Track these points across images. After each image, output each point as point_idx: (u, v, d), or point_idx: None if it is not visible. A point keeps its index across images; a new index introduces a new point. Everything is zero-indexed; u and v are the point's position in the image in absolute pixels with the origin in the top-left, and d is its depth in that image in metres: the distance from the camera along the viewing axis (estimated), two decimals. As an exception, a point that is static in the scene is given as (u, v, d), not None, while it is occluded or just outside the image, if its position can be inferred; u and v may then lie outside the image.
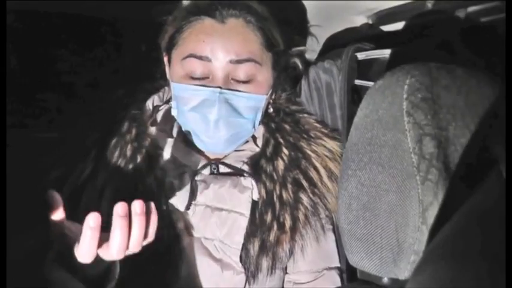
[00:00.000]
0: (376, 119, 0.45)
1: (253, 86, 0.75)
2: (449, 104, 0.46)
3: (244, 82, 0.74)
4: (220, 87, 0.72)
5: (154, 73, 0.87)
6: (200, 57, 0.72)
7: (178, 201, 0.75)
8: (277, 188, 0.76)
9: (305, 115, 0.86)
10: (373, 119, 0.46)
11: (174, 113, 0.79)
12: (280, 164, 0.78)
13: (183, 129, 0.79)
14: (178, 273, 0.72)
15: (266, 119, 0.82)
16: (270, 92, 0.79)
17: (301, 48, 1.02)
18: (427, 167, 0.41)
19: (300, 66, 0.90)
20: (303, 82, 0.92)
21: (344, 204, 0.47)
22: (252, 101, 0.75)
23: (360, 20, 1.09)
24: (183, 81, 0.74)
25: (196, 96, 0.73)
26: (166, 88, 0.86)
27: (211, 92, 0.72)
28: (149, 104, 0.83)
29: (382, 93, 0.46)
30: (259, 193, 0.76)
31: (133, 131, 0.77)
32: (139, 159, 0.75)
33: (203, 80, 0.74)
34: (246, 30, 0.74)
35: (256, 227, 0.74)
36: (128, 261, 0.63)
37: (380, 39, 0.89)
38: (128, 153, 0.75)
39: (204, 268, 0.73)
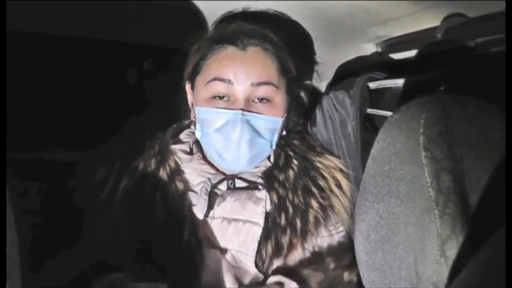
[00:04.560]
0: (394, 152, 0.47)
1: (271, 107, 0.82)
2: (462, 137, 0.47)
3: (263, 104, 0.81)
4: (242, 109, 0.79)
5: (176, 100, 0.93)
6: (223, 80, 0.79)
7: (197, 212, 0.81)
8: (289, 194, 0.83)
9: (308, 134, 0.96)
10: (391, 153, 0.47)
11: (197, 135, 0.85)
12: (291, 173, 0.85)
13: (207, 149, 0.86)
14: (199, 279, 0.76)
15: (278, 138, 0.88)
16: (285, 116, 0.86)
17: (307, 82, 1.08)
18: (445, 201, 0.42)
19: (305, 98, 0.97)
20: (317, 112, 0.94)
21: (362, 235, 0.48)
22: (270, 123, 0.82)
23: (368, 47, 1.11)
24: (207, 104, 0.81)
25: (219, 118, 0.81)
26: (184, 121, 0.95)
27: (234, 114, 0.79)
28: (170, 130, 0.92)
29: (398, 127, 0.48)
30: (272, 200, 0.82)
31: (156, 147, 0.85)
32: (161, 171, 0.82)
33: (226, 101, 0.81)
34: (264, 56, 0.82)
35: (269, 232, 0.80)
36: (152, 266, 0.72)
37: (390, 68, 0.91)
38: (152, 165, 0.83)
39: (223, 276, 0.77)
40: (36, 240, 0.78)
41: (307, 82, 1.14)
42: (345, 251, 0.84)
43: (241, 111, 0.79)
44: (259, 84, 0.80)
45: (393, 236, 0.44)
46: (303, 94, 1.00)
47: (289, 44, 0.88)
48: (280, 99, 0.83)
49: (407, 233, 0.43)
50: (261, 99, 0.81)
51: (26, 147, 1.10)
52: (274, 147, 0.86)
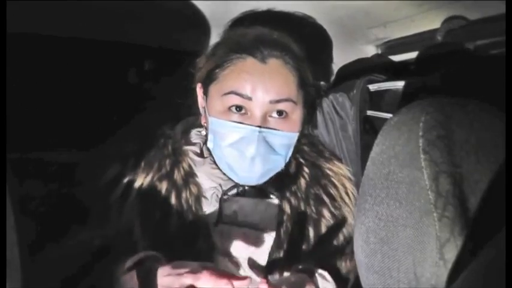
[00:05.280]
0: (393, 155, 0.47)
1: (288, 123, 0.79)
2: (462, 140, 0.47)
3: (280, 119, 0.78)
4: (259, 126, 0.76)
5: (184, 102, 0.91)
6: (241, 95, 0.76)
7: (208, 217, 0.79)
8: (301, 203, 0.81)
9: (315, 137, 0.95)
10: (390, 155, 0.47)
11: (210, 145, 0.83)
12: (303, 182, 0.84)
13: (218, 161, 0.83)
14: None
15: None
16: (300, 130, 0.84)
17: (322, 83, 1.06)
18: (444, 204, 0.42)
19: (317, 100, 0.95)
20: (318, 114, 0.94)
21: (361, 238, 0.48)
22: (286, 139, 0.80)
23: (369, 49, 1.11)
24: (222, 117, 0.78)
25: (234, 133, 0.77)
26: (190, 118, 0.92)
27: (250, 131, 0.76)
28: (179, 127, 0.89)
29: (398, 129, 0.48)
30: (284, 210, 0.80)
31: (169, 147, 0.82)
32: (176, 173, 0.79)
33: (242, 115, 0.77)
34: (285, 70, 0.78)
35: (282, 242, 0.79)
36: None
37: (390, 70, 0.91)
38: (168, 166, 0.80)
39: None
40: (37, 243, 0.78)
41: (322, 83, 1.12)
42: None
43: (258, 129, 0.76)
44: (279, 101, 0.77)
45: (392, 239, 0.44)
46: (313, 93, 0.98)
47: (309, 48, 0.86)
48: (297, 114, 0.81)
49: (406, 236, 0.43)
50: (280, 114, 0.78)
51: (26, 147, 1.11)
52: (287, 160, 0.84)
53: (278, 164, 0.82)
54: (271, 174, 0.83)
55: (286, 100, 0.77)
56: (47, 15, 1.03)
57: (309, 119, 0.91)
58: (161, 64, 1.32)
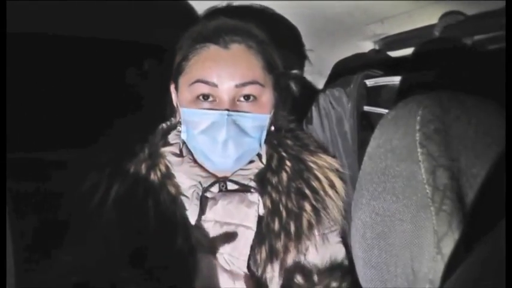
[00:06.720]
0: (390, 149, 0.46)
1: (257, 106, 0.81)
2: (460, 135, 0.47)
3: (249, 103, 0.80)
4: (227, 110, 0.77)
5: (163, 101, 0.91)
6: (207, 82, 0.77)
7: (189, 216, 0.78)
8: (283, 198, 0.81)
9: (302, 131, 0.94)
10: (387, 149, 0.47)
11: (183, 136, 0.84)
12: (284, 176, 0.83)
13: (193, 151, 0.84)
14: (193, 285, 0.75)
15: (269, 137, 0.87)
16: (272, 112, 0.85)
17: (296, 72, 1.06)
18: (441, 198, 0.41)
19: (294, 88, 0.95)
20: (314, 109, 0.94)
21: (358, 233, 0.48)
22: (258, 121, 0.81)
23: (366, 45, 1.11)
24: (192, 106, 0.80)
25: (205, 120, 0.79)
26: (172, 119, 0.93)
27: (219, 115, 0.78)
28: (159, 129, 0.89)
29: (395, 123, 0.48)
30: (265, 204, 0.80)
31: (146, 151, 0.83)
32: (152, 176, 0.80)
33: (210, 102, 0.79)
34: (248, 55, 0.80)
35: (263, 237, 0.79)
36: (145, 272, 0.70)
37: (387, 65, 0.91)
38: (143, 170, 0.80)
39: (217, 280, 0.76)
40: (32, 242, 0.77)
41: (295, 71, 1.12)
42: (339, 253, 0.84)
43: (226, 112, 0.77)
44: (244, 84, 0.78)
45: (389, 233, 0.44)
46: (292, 85, 0.98)
47: (275, 37, 0.86)
48: (267, 97, 0.82)
49: (403, 230, 0.43)
50: (247, 98, 0.79)
51: (23, 147, 1.10)
52: (263, 144, 0.85)
53: (252, 146, 0.83)
54: (248, 158, 0.84)
55: (252, 83, 0.78)
56: (43, 13, 1.03)
57: (281, 104, 0.90)
58: (154, 63, 1.31)
